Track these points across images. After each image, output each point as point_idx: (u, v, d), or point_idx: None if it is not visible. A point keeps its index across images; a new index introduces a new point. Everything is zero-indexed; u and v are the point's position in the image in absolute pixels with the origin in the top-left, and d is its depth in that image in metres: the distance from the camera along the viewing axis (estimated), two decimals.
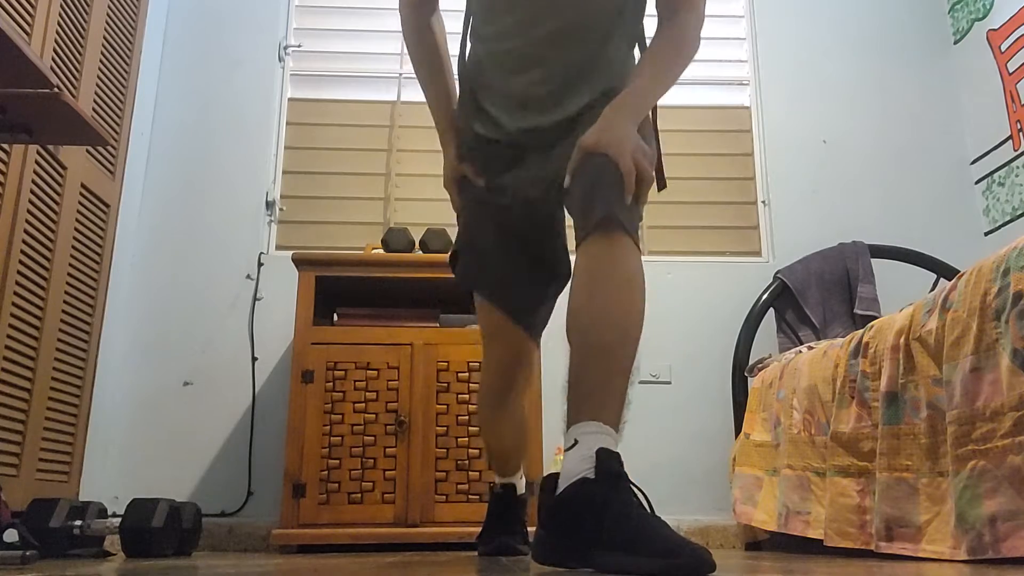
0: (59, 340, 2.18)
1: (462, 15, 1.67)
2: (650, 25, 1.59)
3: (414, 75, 1.76)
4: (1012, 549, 1.34)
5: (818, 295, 2.97)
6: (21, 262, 1.99)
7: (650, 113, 1.56)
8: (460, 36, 1.68)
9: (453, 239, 1.81)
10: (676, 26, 1.53)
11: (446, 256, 1.74)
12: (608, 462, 1.12)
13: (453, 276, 1.72)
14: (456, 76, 1.71)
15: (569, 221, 1.50)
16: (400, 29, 1.73)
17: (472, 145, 1.64)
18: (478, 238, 1.65)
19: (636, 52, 1.64)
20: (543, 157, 1.54)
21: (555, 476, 1.19)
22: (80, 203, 2.29)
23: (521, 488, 1.97)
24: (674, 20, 1.53)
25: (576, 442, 1.16)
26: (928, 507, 1.60)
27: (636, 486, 1.13)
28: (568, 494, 1.13)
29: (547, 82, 1.52)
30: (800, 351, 2.47)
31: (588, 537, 1.08)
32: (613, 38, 1.55)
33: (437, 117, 1.72)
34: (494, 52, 1.58)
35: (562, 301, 1.44)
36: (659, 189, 1.62)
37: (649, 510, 1.11)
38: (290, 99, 3.27)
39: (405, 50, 1.91)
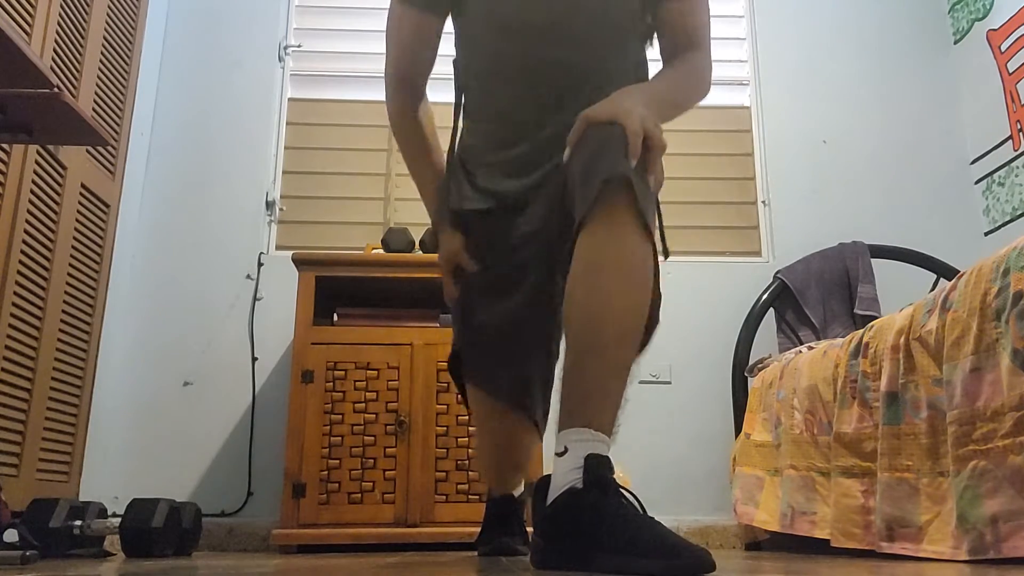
0: (59, 340, 2.18)
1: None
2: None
3: None
4: (1013, 549, 1.34)
5: (818, 295, 2.97)
6: (21, 262, 1.99)
7: None
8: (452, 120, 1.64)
9: None
10: (687, 61, 1.51)
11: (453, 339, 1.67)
12: (597, 470, 1.10)
13: (454, 378, 1.64)
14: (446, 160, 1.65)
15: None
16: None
17: (469, 227, 1.57)
18: (474, 321, 1.58)
19: None
20: (537, 200, 1.49)
21: (547, 480, 1.17)
22: (80, 203, 2.29)
23: (519, 491, 1.96)
24: (684, 56, 1.52)
25: (566, 449, 1.14)
26: (929, 507, 1.60)
27: (628, 490, 1.12)
28: (558, 505, 1.12)
29: (548, 142, 1.47)
30: (800, 351, 2.47)
31: (586, 543, 1.08)
32: (607, 92, 1.47)
33: (428, 201, 1.67)
34: (493, 130, 1.55)
35: None
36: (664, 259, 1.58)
37: (642, 512, 1.11)
38: (290, 99, 3.27)
39: None
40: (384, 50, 1.68)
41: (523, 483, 1.99)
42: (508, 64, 1.50)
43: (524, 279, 1.52)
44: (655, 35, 1.59)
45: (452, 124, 1.64)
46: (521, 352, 1.55)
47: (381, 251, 2.78)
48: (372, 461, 2.45)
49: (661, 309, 1.31)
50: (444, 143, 1.68)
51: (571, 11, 1.47)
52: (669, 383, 3.00)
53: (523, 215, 1.51)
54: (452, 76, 1.63)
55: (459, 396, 1.68)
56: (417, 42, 1.60)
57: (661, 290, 1.30)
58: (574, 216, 1.24)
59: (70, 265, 2.24)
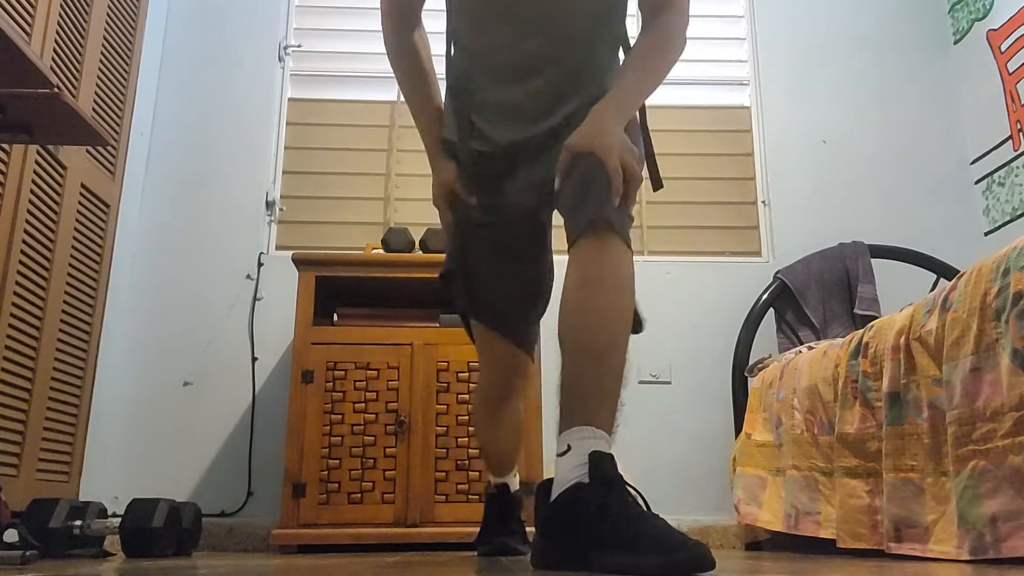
0: (59, 340, 2.18)
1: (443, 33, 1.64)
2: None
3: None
4: (1013, 549, 1.34)
5: (818, 295, 2.97)
6: (21, 262, 1.99)
7: (638, 113, 1.56)
8: (445, 51, 1.66)
9: None
10: (659, 26, 1.54)
11: (445, 252, 1.73)
12: (601, 465, 1.12)
13: (443, 293, 1.71)
14: (443, 91, 1.68)
15: (557, 219, 1.50)
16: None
17: (463, 159, 1.61)
18: (470, 260, 1.64)
19: (620, 55, 1.63)
20: (532, 165, 1.54)
21: (550, 482, 1.18)
22: (80, 203, 2.29)
23: (515, 486, 1.97)
24: (657, 21, 1.54)
25: (569, 448, 1.16)
26: (934, 507, 1.60)
27: (632, 486, 1.12)
28: (563, 500, 1.13)
29: (543, 92, 1.52)
30: (800, 351, 2.47)
31: (587, 540, 1.08)
32: (599, 44, 1.56)
33: (424, 132, 1.69)
34: (488, 64, 1.57)
35: (553, 303, 1.45)
36: (655, 189, 1.63)
37: (646, 509, 1.11)
38: (290, 99, 3.27)
39: None
40: (383, 50, 1.67)
41: (518, 479, 1.99)
42: (495, 4, 1.53)
43: (524, 253, 1.64)
44: None
45: (445, 53, 1.65)
46: (527, 303, 1.68)
47: (381, 251, 2.78)
48: (372, 461, 2.44)
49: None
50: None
51: None
52: (669, 383, 3.00)
53: (515, 171, 1.55)
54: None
55: (465, 328, 1.74)
56: None
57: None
58: (561, 213, 1.41)
59: (70, 265, 2.24)
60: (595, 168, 1.32)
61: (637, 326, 1.40)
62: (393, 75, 1.71)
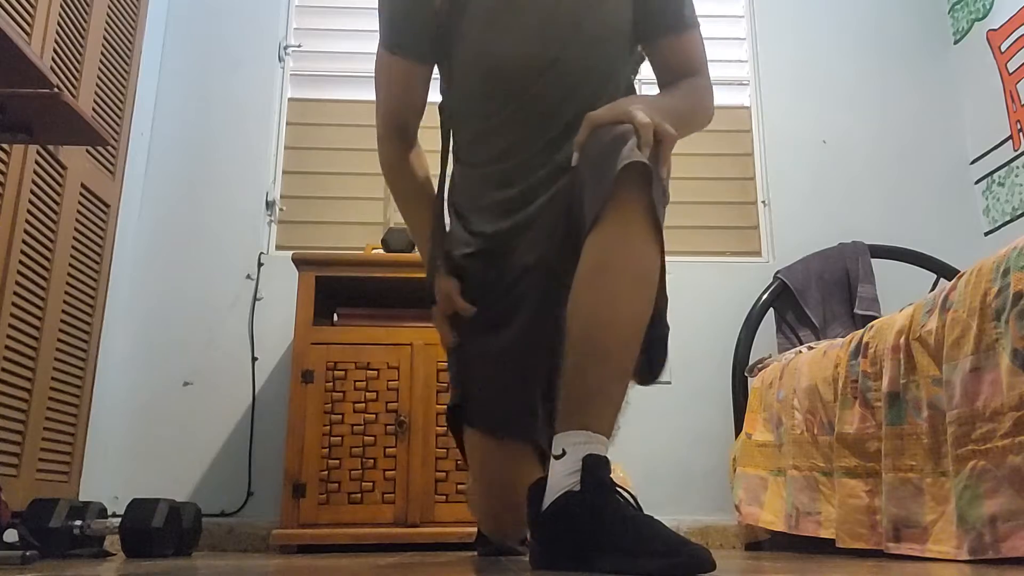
0: (59, 340, 2.18)
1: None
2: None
3: None
4: (1012, 549, 1.34)
5: (818, 295, 2.97)
6: (21, 262, 1.99)
7: None
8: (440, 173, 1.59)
9: None
10: (686, 83, 1.50)
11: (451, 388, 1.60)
12: (595, 470, 1.08)
13: (453, 432, 1.57)
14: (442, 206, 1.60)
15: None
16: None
17: (465, 274, 1.52)
18: (471, 370, 1.52)
19: None
20: (529, 236, 1.46)
21: (541, 483, 1.15)
22: (80, 203, 2.29)
23: None
24: (682, 83, 1.50)
25: (564, 452, 1.12)
26: (933, 507, 1.60)
27: (627, 490, 1.11)
28: (555, 509, 1.10)
29: (541, 183, 1.45)
30: (800, 351, 2.47)
31: (584, 545, 1.07)
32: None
33: (423, 249, 1.62)
34: (486, 174, 1.51)
35: None
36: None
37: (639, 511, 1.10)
38: (290, 99, 3.27)
39: None
40: None
41: None
42: (501, 107, 1.47)
43: (518, 312, 1.47)
44: (641, 64, 1.59)
45: (440, 169, 1.59)
46: (519, 380, 1.48)
47: (381, 251, 2.78)
48: (372, 461, 2.45)
49: None
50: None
51: (566, 46, 1.44)
52: (669, 383, 2.99)
53: (518, 251, 1.46)
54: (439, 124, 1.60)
55: (458, 448, 1.60)
56: (406, 90, 1.55)
57: (667, 293, 1.31)
58: (584, 220, 1.23)
59: (70, 265, 2.24)
60: (621, 131, 1.19)
61: (663, 330, 1.31)
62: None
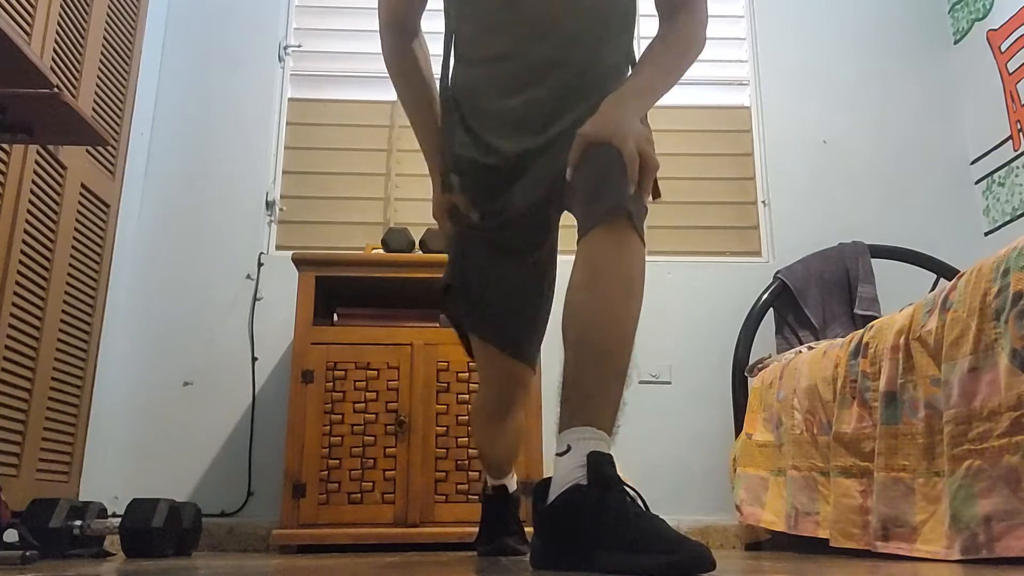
0: (59, 340, 2.18)
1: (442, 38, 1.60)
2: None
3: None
4: (1006, 549, 1.34)
5: (818, 295, 2.97)
6: (21, 262, 1.99)
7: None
8: (442, 60, 1.61)
9: None
10: (678, 25, 1.52)
11: (446, 256, 1.70)
12: (600, 466, 1.10)
13: (443, 309, 1.69)
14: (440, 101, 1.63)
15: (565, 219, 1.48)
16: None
17: (464, 171, 1.58)
18: (470, 269, 1.60)
19: (627, 63, 1.60)
20: (540, 166, 1.50)
21: (547, 483, 1.17)
22: (80, 203, 2.29)
23: (513, 486, 1.96)
24: (675, 20, 1.52)
25: (568, 448, 1.14)
26: (924, 507, 1.60)
27: (631, 487, 1.12)
28: (561, 502, 1.12)
29: (547, 99, 1.48)
30: (800, 351, 2.47)
31: (586, 541, 1.07)
32: (605, 48, 1.52)
33: (425, 146, 1.66)
34: (489, 74, 1.53)
35: (557, 302, 1.42)
36: (654, 198, 1.59)
37: (645, 509, 1.11)
38: (290, 99, 3.27)
39: None
40: None
41: (515, 479, 1.99)
42: (500, 11, 1.48)
43: (528, 251, 1.58)
44: None
45: (443, 63, 1.61)
46: (522, 310, 1.63)
47: (381, 251, 2.78)
48: (372, 461, 2.45)
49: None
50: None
51: None
52: (669, 383, 3.00)
53: (523, 180, 1.51)
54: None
55: (462, 343, 1.72)
56: None
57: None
58: (571, 209, 1.34)
59: (70, 265, 2.24)
60: (610, 157, 1.26)
61: None
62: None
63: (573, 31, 1.47)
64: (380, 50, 1.66)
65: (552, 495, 1.14)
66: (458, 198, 1.59)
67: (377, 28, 1.65)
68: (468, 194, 1.58)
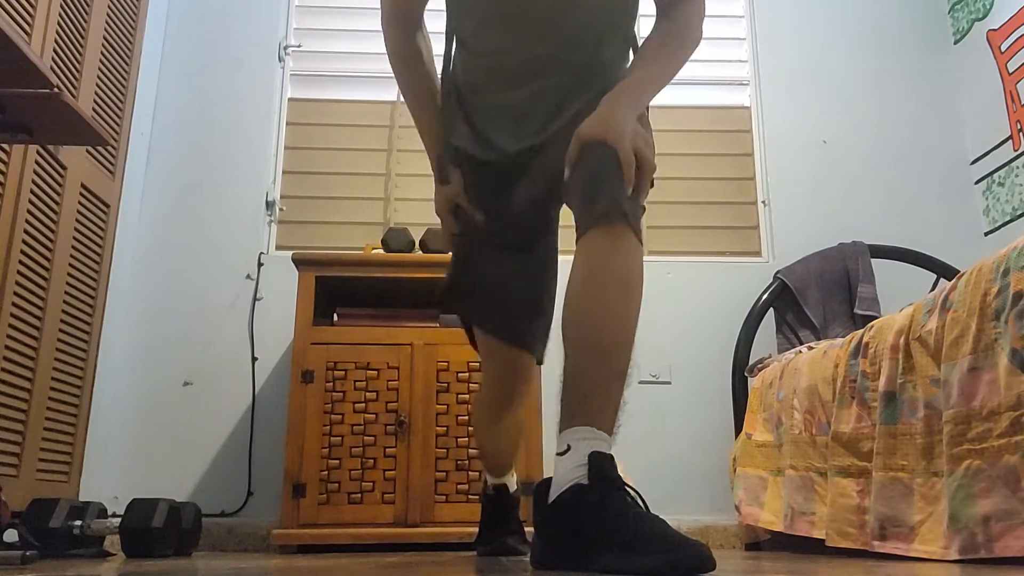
0: (59, 340, 2.18)
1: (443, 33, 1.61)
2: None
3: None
4: (1005, 549, 1.34)
5: (818, 295, 2.97)
6: (21, 262, 1.99)
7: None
8: (444, 47, 1.61)
9: None
10: (675, 18, 1.51)
11: (446, 256, 1.71)
12: (601, 466, 1.10)
13: (446, 308, 1.70)
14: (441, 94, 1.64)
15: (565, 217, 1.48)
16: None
17: (463, 167, 1.58)
18: (473, 265, 1.61)
19: (628, 55, 1.60)
20: (540, 164, 1.50)
21: (548, 483, 1.17)
22: (80, 203, 2.29)
23: (513, 486, 1.96)
24: (672, 12, 1.51)
25: (569, 448, 1.14)
26: (922, 507, 1.60)
27: (632, 487, 1.12)
28: (561, 501, 1.12)
29: (548, 93, 1.49)
30: (800, 351, 2.47)
31: (587, 540, 1.08)
32: (606, 42, 1.52)
33: (427, 141, 1.67)
34: (491, 67, 1.53)
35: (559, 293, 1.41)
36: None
37: (645, 510, 1.11)
38: (290, 99, 3.27)
39: None
40: (383, 50, 1.66)
41: (515, 478, 1.99)
42: (500, 6, 1.48)
43: (529, 244, 1.60)
44: None
45: (444, 50, 1.60)
46: (524, 300, 1.63)
47: (381, 251, 2.78)
48: (372, 461, 2.45)
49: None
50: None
51: None
52: (669, 383, 3.00)
53: (524, 177, 1.51)
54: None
55: (468, 337, 1.72)
56: None
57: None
58: (570, 206, 1.35)
59: (70, 265, 2.24)
60: (607, 157, 1.26)
61: None
62: (393, 75, 1.68)
63: (575, 25, 1.47)
64: (380, 50, 1.66)
65: (553, 495, 1.14)
66: (461, 196, 1.58)
67: (378, 27, 1.65)
68: (469, 194, 1.58)
